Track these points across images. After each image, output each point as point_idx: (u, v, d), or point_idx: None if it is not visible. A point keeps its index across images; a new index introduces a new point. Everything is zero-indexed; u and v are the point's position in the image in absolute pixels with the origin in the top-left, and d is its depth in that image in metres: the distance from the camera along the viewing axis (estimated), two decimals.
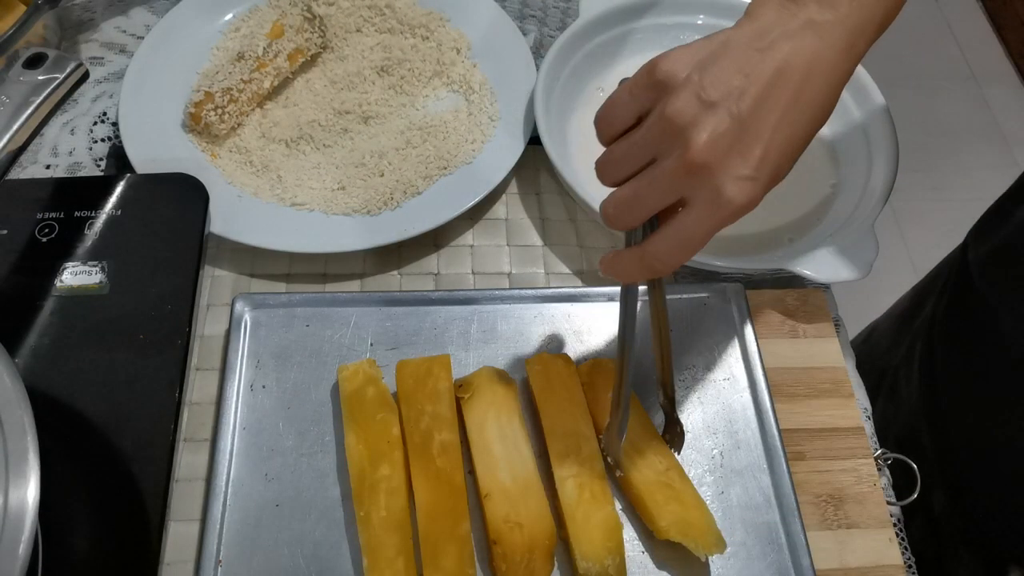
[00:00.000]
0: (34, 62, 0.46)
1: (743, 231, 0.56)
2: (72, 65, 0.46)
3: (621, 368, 0.41)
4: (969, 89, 1.84)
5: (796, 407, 0.49)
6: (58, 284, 0.47)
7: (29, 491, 0.31)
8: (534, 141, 0.55)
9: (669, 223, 0.35)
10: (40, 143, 0.57)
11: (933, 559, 0.57)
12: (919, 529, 0.52)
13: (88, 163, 0.57)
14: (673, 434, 0.45)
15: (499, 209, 0.57)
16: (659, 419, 0.45)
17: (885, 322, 0.74)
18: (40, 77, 0.45)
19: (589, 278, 0.54)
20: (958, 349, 0.58)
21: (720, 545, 0.41)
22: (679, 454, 0.45)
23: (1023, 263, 0.53)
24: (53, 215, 0.49)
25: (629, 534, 0.43)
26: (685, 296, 0.51)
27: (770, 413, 0.47)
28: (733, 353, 0.50)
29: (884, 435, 0.51)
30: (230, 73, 0.56)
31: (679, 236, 0.35)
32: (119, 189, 0.51)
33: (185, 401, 0.47)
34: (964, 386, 0.57)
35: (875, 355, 0.69)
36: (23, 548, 0.30)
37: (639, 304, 0.41)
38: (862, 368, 0.52)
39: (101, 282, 0.47)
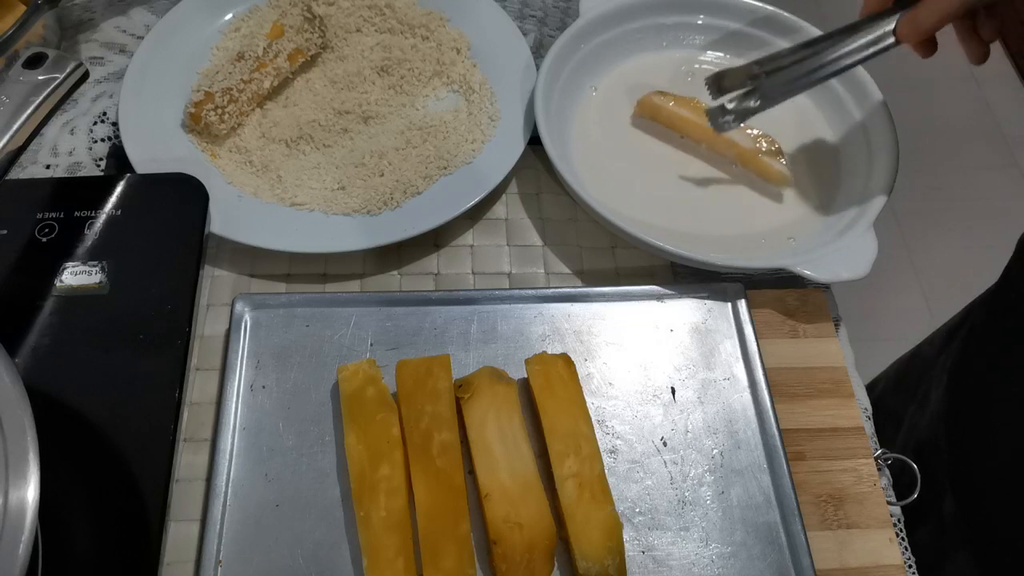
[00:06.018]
0: (34, 62, 0.46)
1: (743, 231, 0.56)
2: (72, 65, 0.46)
3: None
4: (969, 89, 1.84)
5: (796, 407, 0.49)
6: (58, 284, 0.47)
7: (29, 491, 0.31)
8: (534, 141, 0.55)
9: None
10: (40, 143, 0.57)
11: (934, 562, 0.57)
12: (927, 533, 0.52)
13: (88, 163, 0.57)
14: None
15: (499, 209, 0.57)
16: None
17: (935, 336, 0.75)
18: (40, 77, 0.45)
19: (589, 278, 0.54)
20: (988, 353, 0.59)
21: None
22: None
23: None
24: (53, 215, 0.49)
25: (629, 534, 0.43)
26: (685, 296, 0.51)
27: (770, 413, 0.47)
28: (733, 353, 0.50)
29: (907, 439, 0.51)
30: (230, 73, 0.56)
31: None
32: (119, 189, 0.51)
33: (185, 401, 0.47)
34: (988, 390, 0.57)
35: (923, 366, 0.69)
36: (23, 548, 0.30)
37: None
38: (907, 377, 0.52)
39: (101, 282, 0.47)
